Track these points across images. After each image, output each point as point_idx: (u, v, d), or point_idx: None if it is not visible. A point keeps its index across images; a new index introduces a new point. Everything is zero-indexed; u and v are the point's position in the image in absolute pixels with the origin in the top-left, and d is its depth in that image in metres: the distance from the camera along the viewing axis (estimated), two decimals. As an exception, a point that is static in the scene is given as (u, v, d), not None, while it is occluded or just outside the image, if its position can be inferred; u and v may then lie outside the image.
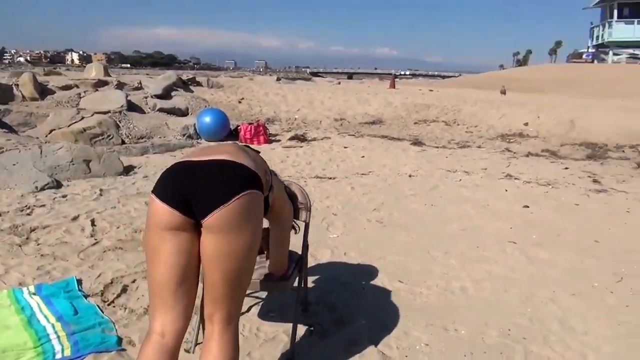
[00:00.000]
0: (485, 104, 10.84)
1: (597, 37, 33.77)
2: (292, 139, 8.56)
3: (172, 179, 1.63)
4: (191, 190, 1.57)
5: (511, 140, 8.44)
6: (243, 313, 2.59)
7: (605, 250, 3.80)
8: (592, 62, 35.59)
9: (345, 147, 7.86)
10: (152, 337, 1.61)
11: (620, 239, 4.07)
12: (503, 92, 14.36)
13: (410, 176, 6.15)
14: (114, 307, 2.70)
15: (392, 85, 16.80)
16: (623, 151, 7.66)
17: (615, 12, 31.47)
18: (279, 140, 8.52)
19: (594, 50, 36.99)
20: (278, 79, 18.97)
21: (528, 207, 4.94)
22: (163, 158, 6.76)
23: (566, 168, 6.84)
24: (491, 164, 6.95)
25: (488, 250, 3.74)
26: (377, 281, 3.13)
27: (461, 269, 3.37)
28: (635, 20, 30.79)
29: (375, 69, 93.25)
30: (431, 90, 15.30)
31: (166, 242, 1.59)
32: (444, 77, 59.04)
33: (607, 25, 32.06)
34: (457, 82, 27.63)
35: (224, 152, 1.69)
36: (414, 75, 73.08)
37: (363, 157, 7.19)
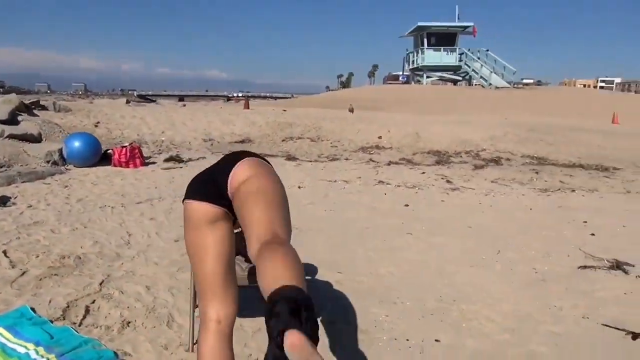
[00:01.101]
0: (341, 121, 11.94)
1: (413, 61, 38.58)
2: (168, 160, 8.50)
3: (201, 180, 1.85)
4: (215, 175, 1.80)
5: (371, 152, 9.52)
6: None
7: (479, 233, 4.72)
8: (407, 83, 40.54)
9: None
10: (209, 325, 1.75)
11: (485, 224, 5.07)
12: (351, 110, 15.84)
13: (299, 187, 6.66)
14: (86, 327, 2.69)
15: (247, 106, 17.30)
16: (461, 156, 9.20)
17: (425, 40, 36.32)
18: (154, 163, 8.39)
19: (408, 73, 42.15)
20: (128, 102, 18.15)
21: (408, 205, 5.79)
22: (36, 186, 6.27)
23: (423, 172, 8.01)
24: (363, 173, 7.81)
25: (394, 242, 4.40)
26: (320, 276, 3.55)
27: (381, 258, 3.95)
28: (442, 48, 35.91)
29: (207, 90, 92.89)
30: (285, 110, 16.14)
31: (208, 236, 1.78)
32: (275, 98, 61.37)
33: (420, 51, 36.83)
34: (304, 102, 29.17)
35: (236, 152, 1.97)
36: (247, 97, 74.37)
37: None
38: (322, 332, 2.70)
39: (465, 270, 3.74)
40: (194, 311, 2.58)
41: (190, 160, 8.65)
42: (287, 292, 1.28)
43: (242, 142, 10.49)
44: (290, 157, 9.09)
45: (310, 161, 8.86)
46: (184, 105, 22.18)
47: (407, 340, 2.65)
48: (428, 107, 19.07)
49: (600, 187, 7.28)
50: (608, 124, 16.30)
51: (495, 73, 32.78)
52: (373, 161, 8.80)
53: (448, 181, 7.40)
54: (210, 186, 1.81)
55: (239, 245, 2.56)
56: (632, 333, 2.76)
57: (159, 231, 4.47)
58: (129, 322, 2.74)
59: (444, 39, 35.83)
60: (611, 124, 16.44)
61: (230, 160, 1.87)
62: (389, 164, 8.58)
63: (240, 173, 1.78)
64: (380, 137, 10.41)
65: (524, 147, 9.74)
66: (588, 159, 9.22)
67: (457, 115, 16.14)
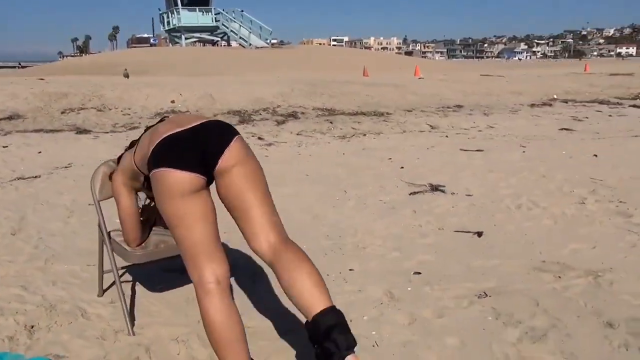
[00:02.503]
0: (124, 87, 11.06)
1: (168, 22, 37.05)
2: None
3: (182, 147, 1.76)
4: (205, 147, 1.75)
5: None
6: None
7: (318, 179, 5.21)
8: (154, 45, 38.91)
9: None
10: (209, 288, 1.70)
11: (317, 171, 5.58)
12: (126, 76, 14.63)
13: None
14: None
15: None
16: (260, 114, 9.60)
17: (179, 0, 35.14)
18: None
19: (164, 36, 40.41)
20: None
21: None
22: None
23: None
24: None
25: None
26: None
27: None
28: (197, 8, 35.30)
29: None
30: (42, 79, 14.04)
31: (195, 204, 1.73)
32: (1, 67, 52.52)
33: (175, 12, 35.54)
34: (59, 68, 25.51)
35: (201, 117, 1.94)
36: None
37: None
38: (244, 291, 2.79)
39: (330, 210, 4.17)
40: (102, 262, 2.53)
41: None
42: (335, 318, 1.63)
43: (10, 118, 8.92)
44: (81, 131, 8.16)
45: (107, 132, 8.13)
46: None
47: (327, 275, 2.93)
48: (198, 69, 18.88)
49: (383, 130, 8.56)
50: (360, 76, 18.71)
51: (252, 33, 33.85)
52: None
53: (260, 138, 7.72)
54: (194, 155, 1.75)
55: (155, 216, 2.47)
56: (477, 233, 3.57)
57: (-17, 228, 3.73)
58: (33, 326, 2.37)
59: (198, -3, 35.20)
60: (363, 76, 18.90)
61: (221, 133, 1.83)
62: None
63: (235, 152, 1.80)
64: (173, 101, 10.06)
65: (312, 100, 10.65)
66: (365, 107, 10.63)
67: (234, 76, 16.45)
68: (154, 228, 2.50)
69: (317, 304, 1.62)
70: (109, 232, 2.47)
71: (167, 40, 39.34)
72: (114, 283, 2.75)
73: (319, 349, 1.58)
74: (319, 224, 3.83)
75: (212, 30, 36.28)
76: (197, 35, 36.68)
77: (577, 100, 14.15)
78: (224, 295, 1.73)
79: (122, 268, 2.73)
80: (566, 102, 13.63)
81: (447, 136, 8.06)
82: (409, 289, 2.74)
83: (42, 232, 3.68)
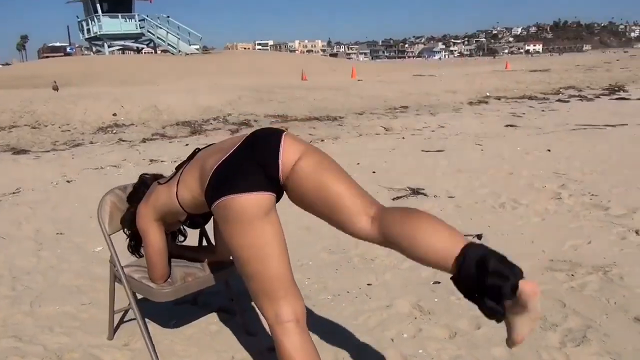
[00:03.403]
0: (56, 101, 10.30)
1: (88, 30, 35.10)
2: None
3: (241, 169, 1.61)
4: (261, 160, 1.60)
5: (115, 131, 8.65)
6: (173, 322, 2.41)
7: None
8: (68, 54, 36.93)
9: None
10: (289, 327, 1.57)
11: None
12: (55, 89, 13.64)
13: (68, 182, 5.70)
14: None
15: None
16: (211, 123, 9.28)
17: (98, 6, 33.41)
18: None
19: (83, 44, 38.37)
20: None
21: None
22: None
23: (186, 145, 7.82)
24: (124, 154, 7.14)
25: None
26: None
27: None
28: (119, 15, 33.74)
29: None
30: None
31: (266, 230, 1.59)
32: None
33: (95, 19, 33.74)
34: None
35: (239, 136, 1.79)
36: None
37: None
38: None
39: (322, 222, 4.05)
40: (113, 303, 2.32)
41: None
42: (484, 248, 1.37)
43: None
44: (18, 151, 7.51)
45: (49, 151, 7.53)
46: None
47: (348, 292, 2.84)
48: (129, 78, 18.04)
49: (340, 134, 8.55)
50: (300, 80, 18.68)
51: (181, 40, 32.84)
52: (124, 141, 8.07)
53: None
54: (254, 172, 1.60)
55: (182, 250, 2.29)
56: (477, 235, 3.61)
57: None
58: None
59: (119, 4, 33.61)
60: (302, 80, 18.89)
61: (267, 139, 1.68)
62: (144, 141, 8.03)
63: (290, 149, 1.65)
64: (115, 115, 9.50)
65: (262, 107, 10.45)
66: (316, 112, 10.58)
67: (168, 84, 15.88)
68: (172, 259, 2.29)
69: (455, 246, 1.37)
70: (123, 268, 2.23)
71: (84, 49, 37.30)
72: (120, 323, 2.52)
73: (480, 294, 1.31)
74: (317, 237, 3.72)
75: (136, 37, 34.79)
76: (121, 42, 35.04)
77: (508, 96, 14.90)
78: (303, 333, 1.61)
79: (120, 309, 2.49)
80: (499, 99, 14.30)
81: (403, 138, 8.18)
82: (436, 300, 2.70)
83: (13, 270, 3.30)
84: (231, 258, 2.33)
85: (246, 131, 8.62)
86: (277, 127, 2.19)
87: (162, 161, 6.74)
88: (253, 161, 1.62)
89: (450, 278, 1.41)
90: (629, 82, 19.25)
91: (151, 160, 6.76)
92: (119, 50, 36.47)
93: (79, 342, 2.39)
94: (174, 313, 2.65)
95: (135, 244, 2.24)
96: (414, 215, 1.53)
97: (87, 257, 3.49)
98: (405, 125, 9.33)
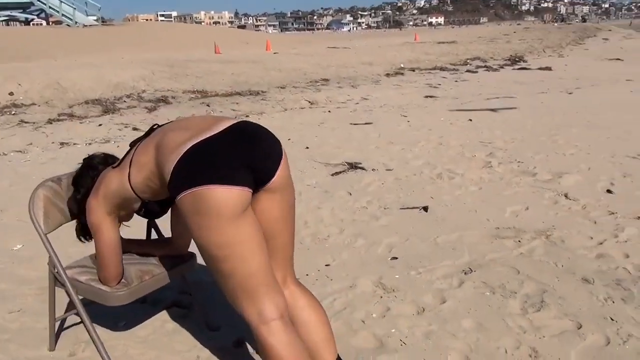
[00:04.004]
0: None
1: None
2: None
3: (225, 156, 1.42)
4: (254, 159, 1.47)
5: (14, 112, 7.75)
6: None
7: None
8: None
9: None
10: (276, 326, 1.46)
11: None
12: None
13: None
14: None
15: None
16: (125, 101, 8.63)
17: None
18: None
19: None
20: None
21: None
22: None
23: (100, 125, 7.21)
24: (30, 138, 6.45)
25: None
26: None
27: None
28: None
29: None
30: None
31: (246, 225, 1.45)
32: None
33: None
34: None
35: (222, 117, 1.61)
36: None
37: None
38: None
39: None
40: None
41: None
42: None
43: None
44: None
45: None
46: None
47: (307, 274, 2.74)
48: (20, 52, 16.32)
49: (265, 109, 8.32)
50: (212, 54, 17.94)
51: (77, 10, 30.19)
52: (27, 122, 7.27)
53: (135, 129, 6.97)
54: (241, 166, 1.43)
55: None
56: (423, 208, 3.65)
57: None
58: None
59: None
60: (215, 53, 18.16)
61: (272, 145, 1.57)
62: (50, 122, 7.30)
63: (284, 174, 1.59)
64: (11, 94, 8.52)
65: (179, 83, 9.87)
66: (237, 86, 10.20)
67: (67, 59, 14.60)
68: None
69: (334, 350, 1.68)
70: (65, 270, 1.96)
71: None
72: (60, 331, 2.25)
73: None
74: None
75: (25, 7, 31.47)
76: (7, 13, 31.64)
77: (421, 68, 15.35)
78: (289, 329, 1.50)
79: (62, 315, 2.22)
80: (413, 71, 14.70)
81: (329, 111, 8.13)
82: (397, 276, 2.68)
83: None
84: (187, 250, 2.15)
85: (166, 110, 8.15)
86: (251, 120, 2.00)
87: (74, 144, 6.17)
88: (244, 152, 1.45)
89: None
90: (526, 53, 20.63)
91: (62, 144, 6.16)
92: (3, 21, 32.97)
93: (13, 357, 2.10)
94: (122, 313, 2.40)
95: (84, 229, 1.96)
96: (316, 318, 1.69)
97: (5, 257, 3.09)
98: (330, 98, 9.28)
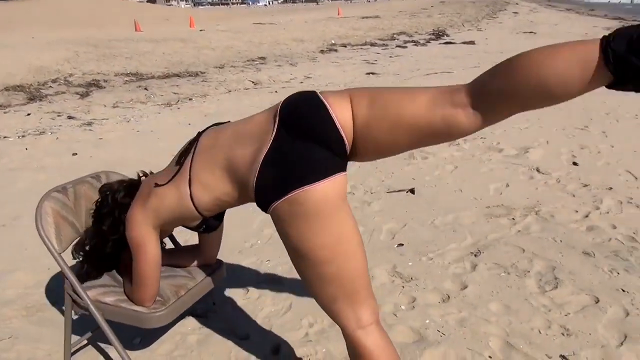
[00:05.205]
0: None
1: None
2: None
3: (297, 156, 1.29)
4: (317, 138, 1.30)
5: None
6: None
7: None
8: None
9: None
10: (371, 329, 1.39)
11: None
12: None
13: None
14: None
15: None
16: (51, 86, 7.88)
17: None
18: None
19: None
20: None
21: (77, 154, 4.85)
22: None
23: (28, 114, 6.57)
24: None
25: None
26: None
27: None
28: None
29: None
30: None
31: (346, 219, 1.32)
32: None
33: None
34: None
35: (267, 110, 1.46)
36: None
37: None
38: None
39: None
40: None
41: None
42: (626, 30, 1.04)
43: None
44: None
45: None
46: None
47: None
48: None
49: (208, 91, 7.95)
50: (133, 31, 16.88)
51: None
52: None
53: (70, 117, 6.41)
54: (317, 152, 1.29)
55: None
56: (409, 190, 3.65)
57: None
58: None
59: None
60: (135, 31, 17.09)
61: (308, 109, 1.34)
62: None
63: (340, 106, 1.34)
64: None
65: (108, 65, 9.14)
66: (173, 67, 9.64)
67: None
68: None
69: (591, 44, 1.06)
70: (86, 291, 1.75)
71: None
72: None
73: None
74: (254, 213, 3.41)
75: None
76: None
77: (352, 43, 15.37)
78: (382, 331, 1.44)
79: (77, 340, 2.01)
80: (345, 47, 14.68)
81: (276, 92, 7.92)
82: (410, 263, 2.67)
83: None
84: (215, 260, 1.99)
85: (99, 95, 7.54)
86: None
87: (5, 137, 5.56)
88: (309, 139, 1.30)
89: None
90: (447, 27, 21.27)
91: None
92: None
93: (25, 393, 1.86)
94: (132, 330, 2.20)
95: (100, 258, 1.77)
96: (517, 56, 1.15)
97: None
98: (273, 78, 9.05)
